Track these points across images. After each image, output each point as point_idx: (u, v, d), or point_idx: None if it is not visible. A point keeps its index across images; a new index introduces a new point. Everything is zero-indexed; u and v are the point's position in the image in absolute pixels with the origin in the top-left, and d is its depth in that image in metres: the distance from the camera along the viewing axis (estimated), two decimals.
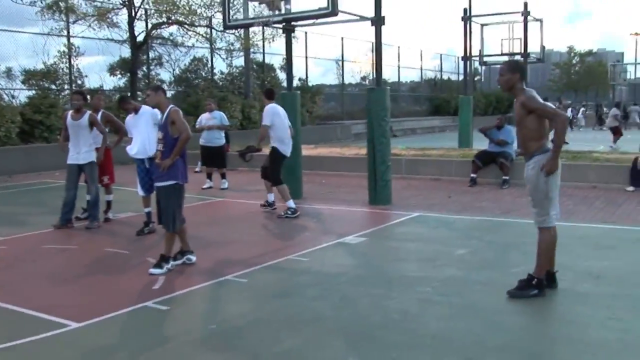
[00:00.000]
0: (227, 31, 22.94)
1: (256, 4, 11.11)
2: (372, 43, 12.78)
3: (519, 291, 5.63)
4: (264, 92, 11.04)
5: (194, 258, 7.17)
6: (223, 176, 13.75)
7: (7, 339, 4.88)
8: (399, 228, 9.26)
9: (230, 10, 10.88)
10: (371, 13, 10.58)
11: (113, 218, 10.11)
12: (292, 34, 12.35)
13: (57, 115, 19.16)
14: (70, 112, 9.54)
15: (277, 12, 10.41)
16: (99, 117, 9.59)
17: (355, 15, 10.87)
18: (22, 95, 20.87)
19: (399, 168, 14.43)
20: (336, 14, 9.93)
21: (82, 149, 9.43)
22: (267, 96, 10.50)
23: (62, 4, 16.95)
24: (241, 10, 11.41)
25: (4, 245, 8.49)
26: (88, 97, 10.33)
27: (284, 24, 11.62)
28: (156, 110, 8.53)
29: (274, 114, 10.15)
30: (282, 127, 10.20)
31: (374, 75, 10.95)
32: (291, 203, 10.12)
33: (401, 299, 5.70)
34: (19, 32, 19.97)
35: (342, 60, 35.05)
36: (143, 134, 8.80)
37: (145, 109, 8.88)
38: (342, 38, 34.16)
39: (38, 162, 17.58)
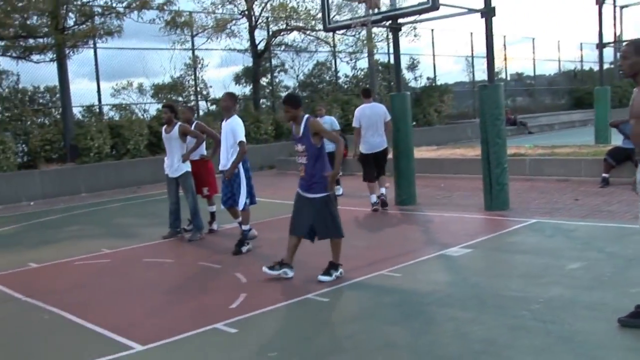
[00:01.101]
0: (347, 33, 22.66)
1: (356, 3, 10.66)
2: (504, 37, 11.98)
3: (633, 319, 4.71)
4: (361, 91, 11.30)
5: (291, 273, 6.84)
6: (337, 182, 13.39)
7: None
8: (511, 237, 8.44)
9: (331, 12, 10.50)
10: (481, 4, 9.82)
11: (218, 229, 10.06)
12: (400, 32, 11.76)
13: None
14: (165, 127, 9.58)
15: (375, 11, 9.90)
16: (175, 131, 9.48)
17: (461, 8, 10.13)
18: (152, 108, 21.78)
19: (522, 169, 13.41)
20: (437, 8, 9.28)
21: (175, 161, 9.44)
22: (363, 95, 11.01)
23: (178, 20, 17.44)
24: (347, 11, 10.99)
25: (108, 259, 8.65)
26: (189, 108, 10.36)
27: (389, 22, 11.14)
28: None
29: (361, 116, 10.64)
30: (367, 127, 10.68)
31: (489, 71, 10.12)
32: (373, 198, 10.88)
33: (490, 324, 5.02)
34: (146, 49, 20.80)
35: (472, 57, 33.73)
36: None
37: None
38: (471, 33, 32.90)
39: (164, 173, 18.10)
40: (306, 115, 6.67)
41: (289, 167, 19.20)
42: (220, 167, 8.60)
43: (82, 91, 19.43)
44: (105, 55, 19.42)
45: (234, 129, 8.38)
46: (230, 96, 8.98)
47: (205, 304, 6.21)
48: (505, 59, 35.15)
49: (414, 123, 28.28)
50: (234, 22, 21.72)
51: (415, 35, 25.33)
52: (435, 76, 31.17)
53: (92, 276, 7.72)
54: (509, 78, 38.04)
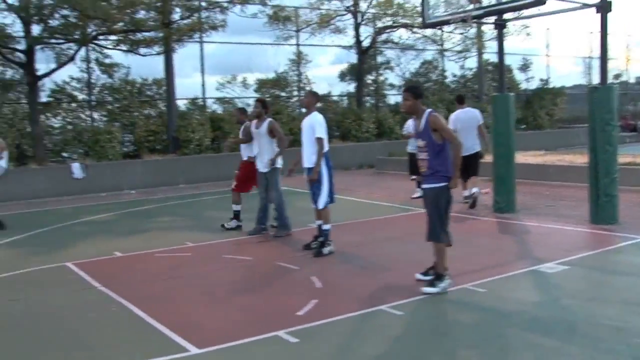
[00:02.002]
0: (455, 31, 21.93)
1: None
2: (628, 36, 11.06)
3: None
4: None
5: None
6: (419, 185, 12.92)
7: (127, 358, 4.77)
8: (615, 256, 7.65)
9: (438, 8, 9.99)
10: None
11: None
12: (507, 30, 11.06)
13: (281, 122, 19.75)
14: (254, 121, 9.45)
15: (476, 6, 9.28)
16: (264, 127, 9.32)
17: (573, 2, 9.34)
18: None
19: (636, 180, 12.34)
20: (543, 3, 8.56)
21: (265, 156, 9.30)
22: (457, 102, 11.10)
23: (280, 14, 17.39)
24: (453, 8, 10.43)
25: (189, 253, 8.59)
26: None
27: (495, 18, 10.48)
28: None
29: (456, 119, 10.65)
30: (461, 130, 10.57)
31: (602, 71, 9.28)
32: (464, 192, 11.01)
33: (577, 357, 4.43)
34: (251, 43, 20.98)
35: (590, 58, 31.86)
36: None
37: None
38: (590, 33, 31.06)
39: None
40: (428, 110, 6.26)
41: (388, 166, 18.79)
42: (304, 165, 8.33)
43: (188, 84, 19.90)
44: (212, 49, 19.79)
45: (313, 125, 8.15)
46: (311, 93, 8.86)
47: (272, 307, 5.93)
48: (628, 60, 32.99)
49: (523, 126, 27.15)
50: (338, 17, 21.49)
51: (527, 34, 24.19)
52: (548, 78, 29.72)
53: (168, 270, 7.65)
54: (633, 81, 35.73)
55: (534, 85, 29.87)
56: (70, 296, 6.60)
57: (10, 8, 15.18)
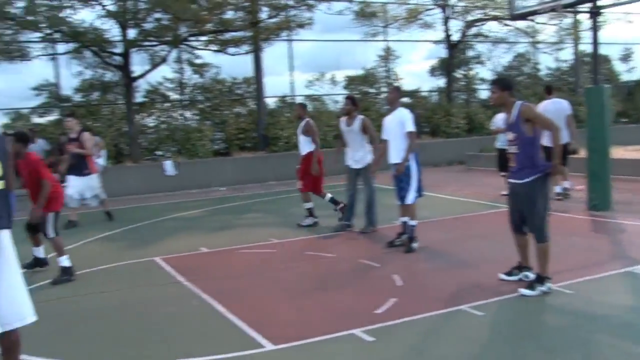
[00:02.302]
0: (548, 22, 21.14)
1: None
2: None
3: None
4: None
5: (532, 276, 6.13)
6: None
7: (203, 352, 4.81)
8: None
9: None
10: None
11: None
12: (600, 17, 10.55)
13: (370, 118, 19.64)
14: (344, 118, 9.43)
15: None
16: (357, 124, 9.26)
17: None
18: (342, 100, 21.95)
19: None
20: None
21: (357, 153, 9.29)
22: (546, 92, 10.87)
23: (366, 10, 17.29)
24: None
25: (273, 249, 8.67)
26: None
27: (589, 5, 10.01)
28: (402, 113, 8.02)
29: (543, 111, 9.77)
30: None
31: None
32: (557, 188, 10.70)
33: None
34: (339, 40, 21.03)
35: None
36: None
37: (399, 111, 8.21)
38: None
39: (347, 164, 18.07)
40: (519, 101, 6.03)
41: (478, 163, 18.36)
42: (391, 161, 8.24)
43: (277, 82, 20.17)
44: (300, 47, 19.99)
45: (402, 119, 8.06)
46: (395, 89, 8.74)
47: (350, 305, 5.89)
48: None
49: (625, 120, 25.85)
50: (426, 12, 21.17)
51: (629, 22, 23.00)
52: None
53: (252, 266, 7.75)
54: None
55: (636, 76, 28.40)
56: (155, 290, 6.80)
57: (109, 14, 15.86)
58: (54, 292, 6.87)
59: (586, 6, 10.13)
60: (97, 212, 12.12)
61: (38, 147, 15.90)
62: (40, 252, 7.87)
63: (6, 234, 3.80)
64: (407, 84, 23.10)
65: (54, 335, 5.44)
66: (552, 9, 9.04)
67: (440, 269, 7.14)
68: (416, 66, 26.28)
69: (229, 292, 6.53)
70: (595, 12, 10.23)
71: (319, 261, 7.88)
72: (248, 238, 9.42)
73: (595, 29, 10.37)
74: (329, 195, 10.30)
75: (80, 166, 11.03)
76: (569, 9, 10.29)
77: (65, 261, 7.39)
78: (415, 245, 8.02)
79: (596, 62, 10.74)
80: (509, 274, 6.35)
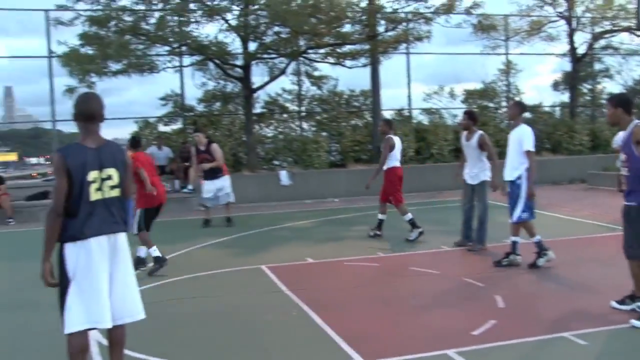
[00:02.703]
0: None
1: None
2: None
3: None
4: None
5: None
6: None
7: None
8: None
9: None
10: None
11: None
12: None
13: (488, 133, 19.21)
14: (465, 133, 9.35)
15: None
16: (474, 140, 9.12)
17: None
18: (461, 114, 21.58)
19: None
20: None
21: (473, 169, 9.22)
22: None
23: (485, 23, 16.91)
24: None
25: (378, 263, 8.69)
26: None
27: None
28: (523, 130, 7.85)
29: None
30: None
31: None
32: None
33: None
34: (457, 54, 20.79)
35: None
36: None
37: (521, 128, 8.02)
38: None
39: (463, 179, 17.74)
40: (635, 121, 5.69)
41: (600, 182, 17.48)
42: (505, 178, 8.11)
43: (394, 95, 20.14)
44: (418, 60, 19.92)
45: (521, 137, 7.90)
46: (516, 104, 8.55)
47: (447, 324, 5.80)
48: None
49: None
50: (550, 24, 20.46)
51: None
52: None
53: (354, 279, 7.80)
54: None
55: None
56: (258, 297, 7.00)
57: (231, 28, 16.52)
58: (161, 294, 7.23)
59: None
60: (218, 218, 12.64)
61: (164, 154, 16.81)
62: (154, 251, 8.35)
63: (122, 237, 4.18)
64: (528, 99, 22.43)
65: (159, 335, 5.74)
66: None
67: (547, 293, 6.88)
68: (541, 79, 25.47)
69: (329, 304, 6.60)
70: None
71: (422, 278, 7.81)
72: (355, 251, 9.49)
73: None
74: (408, 215, 10.50)
75: (214, 171, 12.11)
76: None
77: (154, 252, 8.19)
78: (541, 261, 7.91)
79: None
80: (621, 302, 6.02)
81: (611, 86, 24.37)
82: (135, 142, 8.94)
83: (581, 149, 20.47)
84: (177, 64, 17.73)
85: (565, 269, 7.88)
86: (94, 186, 4.01)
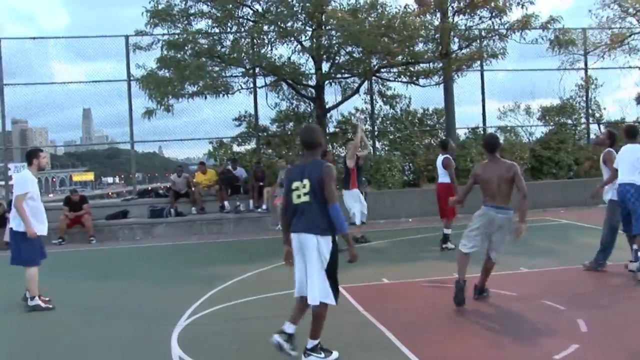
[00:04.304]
0: None
1: None
2: None
3: None
4: None
5: None
6: None
7: None
8: None
9: None
10: None
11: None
12: None
13: (566, 151, 18.75)
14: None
15: None
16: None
17: None
18: (538, 131, 21.11)
19: None
20: None
21: (607, 187, 8.98)
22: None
23: (562, 38, 16.42)
24: None
25: (453, 285, 8.48)
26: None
27: None
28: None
29: None
30: None
31: None
32: None
33: None
34: (533, 70, 20.37)
35: None
36: None
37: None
38: None
39: (543, 199, 17.29)
40: None
41: None
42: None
43: (468, 113, 19.78)
44: (492, 77, 19.58)
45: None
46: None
47: (527, 348, 5.64)
48: None
49: None
50: (633, 36, 19.73)
51: None
52: None
53: (430, 300, 7.71)
54: None
55: None
56: (334, 318, 6.89)
57: (304, 49, 16.68)
58: (237, 313, 7.28)
59: None
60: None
61: (239, 174, 17.04)
62: None
63: (311, 238, 5.63)
64: (610, 114, 21.66)
65: (239, 352, 5.77)
66: None
67: (635, 318, 6.55)
68: (624, 93, 24.42)
69: (405, 325, 6.54)
70: None
71: (500, 298, 7.62)
72: (431, 271, 9.34)
73: None
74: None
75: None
76: None
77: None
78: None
79: None
80: None
81: None
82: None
83: None
84: (251, 85, 17.98)
85: None
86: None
